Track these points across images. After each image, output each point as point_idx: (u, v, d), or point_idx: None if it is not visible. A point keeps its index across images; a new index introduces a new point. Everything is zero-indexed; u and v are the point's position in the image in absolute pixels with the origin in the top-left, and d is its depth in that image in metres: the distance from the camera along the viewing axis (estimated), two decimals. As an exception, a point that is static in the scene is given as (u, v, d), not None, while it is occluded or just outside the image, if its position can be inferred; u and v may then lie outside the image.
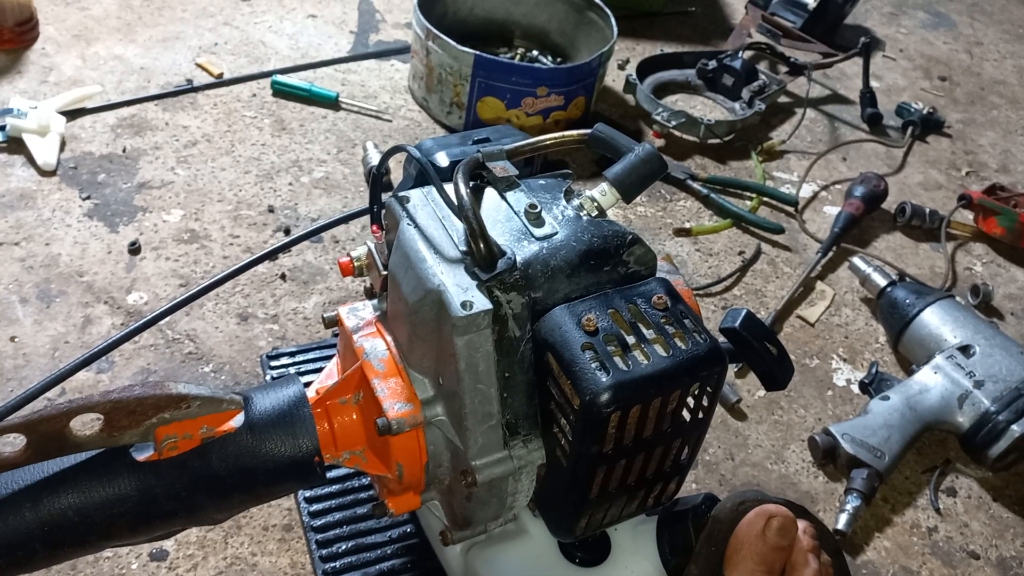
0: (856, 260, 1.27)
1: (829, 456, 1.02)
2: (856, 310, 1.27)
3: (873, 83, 1.75)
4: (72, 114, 1.28)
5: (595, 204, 0.65)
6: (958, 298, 1.21)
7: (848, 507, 0.95)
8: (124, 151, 1.25)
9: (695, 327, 0.60)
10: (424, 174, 0.64)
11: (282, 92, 1.42)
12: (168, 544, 0.83)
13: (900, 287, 1.20)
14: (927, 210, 1.44)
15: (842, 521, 0.94)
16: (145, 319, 0.99)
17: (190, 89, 1.38)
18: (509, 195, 0.65)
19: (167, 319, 1.02)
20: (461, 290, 0.58)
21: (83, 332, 1.00)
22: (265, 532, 0.85)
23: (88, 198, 1.16)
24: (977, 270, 1.40)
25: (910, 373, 1.11)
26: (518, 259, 0.59)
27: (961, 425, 1.04)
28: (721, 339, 0.68)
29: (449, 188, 0.62)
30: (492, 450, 0.61)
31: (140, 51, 1.44)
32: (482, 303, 0.57)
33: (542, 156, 0.71)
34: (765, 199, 1.43)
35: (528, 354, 0.60)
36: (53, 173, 1.19)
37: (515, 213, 0.63)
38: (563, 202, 0.65)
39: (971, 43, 2.10)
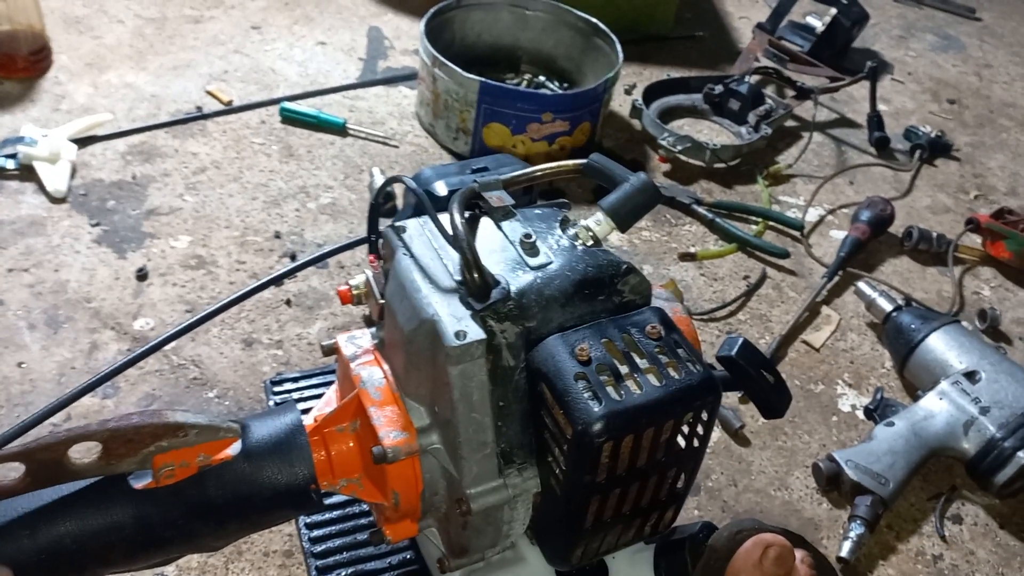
0: (862, 285, 1.27)
1: (833, 483, 1.01)
2: (862, 335, 1.26)
3: (881, 106, 1.75)
4: (83, 142, 1.30)
5: (590, 233, 0.65)
6: (965, 323, 1.20)
7: (852, 534, 0.95)
8: (134, 178, 1.27)
9: (689, 356, 0.60)
10: (420, 204, 0.65)
11: (290, 119, 1.43)
12: (169, 570, 0.83)
13: (906, 312, 1.19)
14: (934, 234, 1.43)
15: (846, 548, 0.94)
16: (150, 344, 1.00)
17: (200, 116, 1.40)
18: (504, 225, 0.65)
19: (172, 345, 1.03)
20: (455, 320, 0.58)
21: (90, 358, 1.01)
22: (266, 558, 0.86)
23: (97, 225, 1.18)
24: (985, 294, 1.39)
25: (916, 399, 1.10)
26: (512, 289, 0.60)
27: (967, 451, 1.03)
28: (718, 367, 0.68)
29: (445, 218, 0.63)
30: (487, 478, 0.62)
31: (151, 79, 1.47)
32: (476, 333, 0.58)
33: (540, 185, 0.72)
34: (771, 223, 1.43)
35: (522, 383, 0.60)
36: (63, 200, 1.20)
37: (510, 243, 0.64)
38: (558, 231, 0.66)
39: (980, 66, 2.10)
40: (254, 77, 1.52)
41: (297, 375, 1.01)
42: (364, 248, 1.19)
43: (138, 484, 0.60)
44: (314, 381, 1.01)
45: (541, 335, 0.60)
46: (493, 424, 0.60)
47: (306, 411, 0.68)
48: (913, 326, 1.16)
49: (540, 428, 0.61)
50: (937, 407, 1.06)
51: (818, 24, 1.92)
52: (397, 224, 0.66)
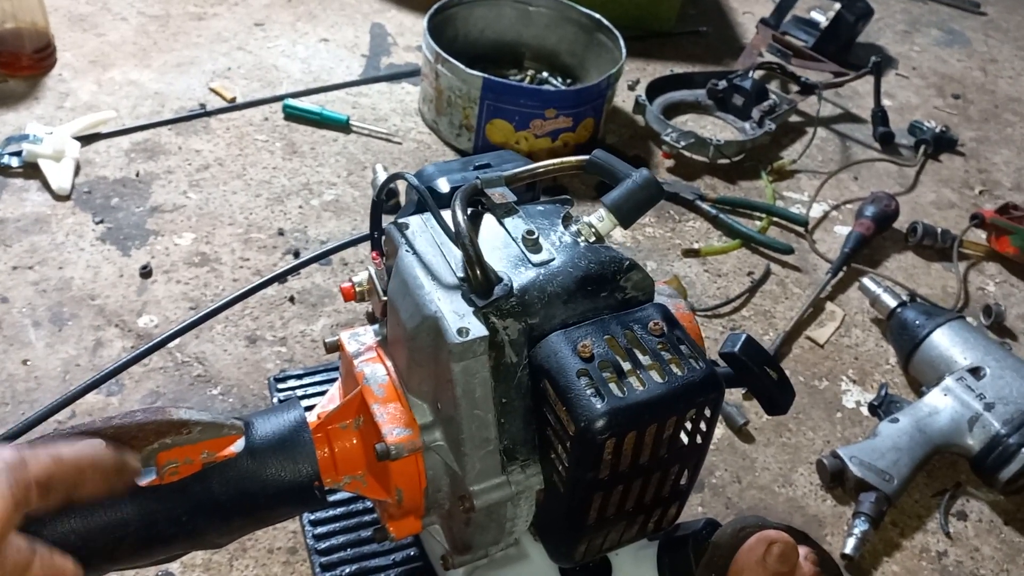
0: (866, 281, 1.27)
1: (837, 479, 1.01)
2: (866, 331, 1.26)
3: (885, 101, 1.75)
4: (87, 139, 1.30)
5: (593, 230, 0.65)
6: (970, 319, 1.20)
7: (856, 531, 0.95)
8: (137, 175, 1.27)
9: (692, 353, 0.60)
10: (423, 201, 0.64)
11: (294, 116, 1.43)
12: (174, 567, 0.83)
13: (910, 308, 1.19)
14: (939, 230, 1.43)
15: (850, 545, 0.94)
16: (154, 341, 1.00)
17: (203, 113, 1.40)
18: (507, 221, 0.65)
19: (176, 342, 1.03)
20: (458, 316, 0.58)
21: (94, 355, 1.01)
22: (270, 555, 0.86)
23: (101, 222, 1.18)
24: (990, 290, 1.39)
25: (920, 395, 1.10)
26: (515, 285, 0.60)
27: (971, 448, 1.03)
28: (722, 364, 0.68)
29: (447, 215, 0.63)
30: (490, 475, 0.62)
31: (155, 76, 1.47)
32: (478, 329, 0.58)
33: (543, 182, 0.72)
34: (775, 219, 1.43)
35: (525, 380, 0.60)
36: (67, 198, 1.20)
37: (513, 239, 0.64)
38: (561, 228, 0.66)
39: (985, 60, 2.10)
40: (257, 74, 1.52)
41: (301, 372, 1.02)
42: (367, 245, 1.20)
43: (142, 481, 0.60)
44: (318, 378, 1.01)
45: (543, 332, 0.60)
46: (496, 421, 0.60)
47: (310, 408, 0.68)
48: (917, 322, 1.16)
49: (543, 425, 0.61)
50: (942, 403, 1.06)
51: (822, 19, 1.91)
52: (400, 221, 0.66)
